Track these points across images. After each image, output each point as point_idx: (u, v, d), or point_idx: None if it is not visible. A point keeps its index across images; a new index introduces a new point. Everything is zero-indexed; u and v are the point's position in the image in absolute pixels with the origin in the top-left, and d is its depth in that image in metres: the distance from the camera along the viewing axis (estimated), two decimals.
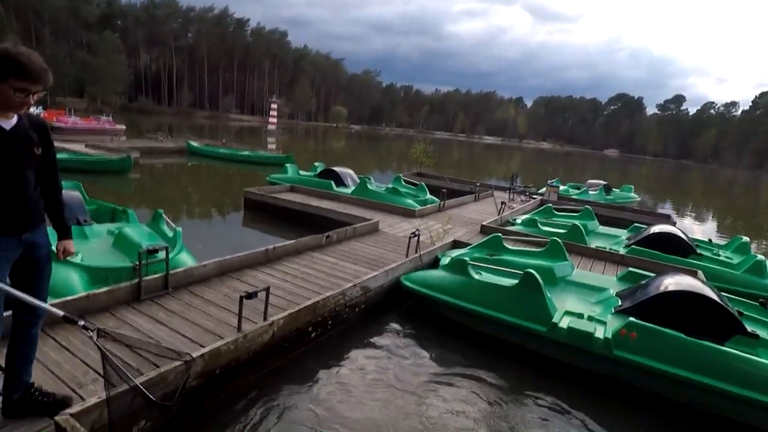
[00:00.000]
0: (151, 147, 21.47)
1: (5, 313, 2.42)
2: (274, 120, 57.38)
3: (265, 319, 4.02)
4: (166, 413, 2.65)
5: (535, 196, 15.33)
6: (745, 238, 8.98)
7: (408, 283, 5.76)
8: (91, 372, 3.10)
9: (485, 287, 5.23)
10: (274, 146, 31.45)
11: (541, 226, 9.38)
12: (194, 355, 3.27)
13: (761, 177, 73.22)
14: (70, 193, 6.21)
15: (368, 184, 11.69)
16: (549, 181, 16.83)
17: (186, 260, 5.36)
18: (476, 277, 5.46)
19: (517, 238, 8.25)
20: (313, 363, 4.34)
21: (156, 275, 4.53)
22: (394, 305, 5.90)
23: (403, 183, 13.39)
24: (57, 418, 2.45)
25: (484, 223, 9.41)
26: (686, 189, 39.73)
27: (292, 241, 6.49)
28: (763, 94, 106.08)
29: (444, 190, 11.75)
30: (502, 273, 5.79)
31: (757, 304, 5.43)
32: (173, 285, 4.64)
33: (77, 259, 4.75)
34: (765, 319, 5.14)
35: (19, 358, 2.53)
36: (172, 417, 2.78)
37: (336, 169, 12.75)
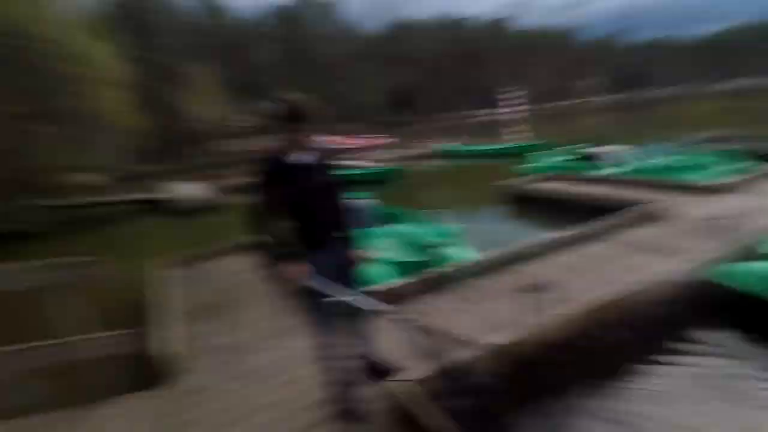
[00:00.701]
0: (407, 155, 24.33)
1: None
2: (510, 110, 56.13)
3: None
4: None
5: None
6: None
7: (727, 282, 4.61)
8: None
9: None
10: (522, 135, 30.65)
11: None
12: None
13: None
14: (369, 201, 7.59)
15: (641, 160, 10.10)
16: None
17: (469, 254, 5.81)
18: None
19: None
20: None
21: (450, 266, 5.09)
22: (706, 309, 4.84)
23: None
24: (388, 383, 3.07)
25: None
26: None
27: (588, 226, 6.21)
28: None
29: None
30: None
31: None
32: (458, 276, 5.09)
33: (389, 256, 5.77)
34: None
35: (362, 339, 3.20)
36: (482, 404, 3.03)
37: (596, 149, 11.58)
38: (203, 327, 4.80)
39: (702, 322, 4.60)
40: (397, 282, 4.88)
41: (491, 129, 45.13)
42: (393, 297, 4.63)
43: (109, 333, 4.17)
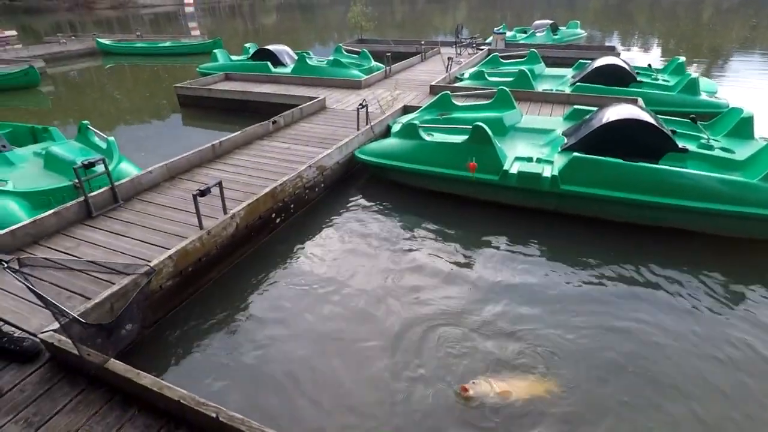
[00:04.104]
0: (56, 52, 18.81)
1: None
2: (190, 0, 50.30)
3: (225, 213, 4.04)
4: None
5: (482, 47, 14.79)
6: (682, 59, 9.17)
7: (362, 156, 5.78)
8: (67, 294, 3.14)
9: (437, 147, 5.32)
10: (197, 32, 28.06)
11: (488, 77, 9.24)
12: (162, 257, 3.35)
13: None
14: None
15: (307, 60, 10.89)
16: (495, 29, 16.10)
17: (129, 170, 5.12)
18: (427, 138, 5.51)
19: (466, 93, 8.16)
20: (283, 246, 4.52)
21: (101, 190, 4.35)
22: (353, 180, 6.00)
23: (345, 53, 12.54)
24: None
25: (432, 83, 9.17)
26: (631, 17, 38.99)
27: (238, 132, 6.21)
28: None
29: (388, 54, 11.13)
30: (453, 131, 5.84)
31: (689, 120, 5.80)
32: (123, 196, 4.50)
33: (9, 187, 4.45)
34: (695, 133, 5.55)
35: None
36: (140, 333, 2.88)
37: (270, 47, 11.69)
38: None
39: (354, 188, 5.78)
40: (38, 216, 3.89)
41: (174, 22, 39.68)
42: (33, 236, 3.80)
43: None
